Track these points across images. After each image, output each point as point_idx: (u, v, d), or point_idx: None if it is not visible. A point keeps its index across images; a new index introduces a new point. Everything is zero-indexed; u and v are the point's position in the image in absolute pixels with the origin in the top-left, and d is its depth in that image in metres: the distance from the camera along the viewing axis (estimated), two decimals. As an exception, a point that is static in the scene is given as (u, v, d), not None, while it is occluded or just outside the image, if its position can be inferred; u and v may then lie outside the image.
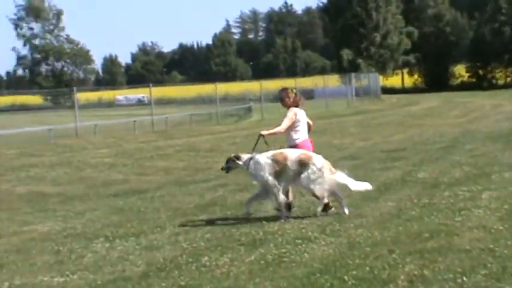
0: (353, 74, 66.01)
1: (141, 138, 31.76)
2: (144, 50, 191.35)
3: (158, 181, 16.46)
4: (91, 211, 12.39)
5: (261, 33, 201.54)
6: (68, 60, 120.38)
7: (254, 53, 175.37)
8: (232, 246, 8.36)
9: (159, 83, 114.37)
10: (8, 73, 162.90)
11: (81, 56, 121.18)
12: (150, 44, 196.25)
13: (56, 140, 31.06)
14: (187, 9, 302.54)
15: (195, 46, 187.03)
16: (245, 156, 10.31)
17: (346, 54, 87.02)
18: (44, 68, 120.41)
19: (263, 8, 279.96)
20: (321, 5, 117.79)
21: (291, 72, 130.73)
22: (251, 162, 10.15)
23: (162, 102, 64.40)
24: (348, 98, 60.58)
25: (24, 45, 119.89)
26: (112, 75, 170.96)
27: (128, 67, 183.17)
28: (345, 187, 9.99)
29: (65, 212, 12.61)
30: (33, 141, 30.51)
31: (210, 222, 10.19)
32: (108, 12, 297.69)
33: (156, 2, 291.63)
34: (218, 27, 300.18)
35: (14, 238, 10.07)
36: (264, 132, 10.57)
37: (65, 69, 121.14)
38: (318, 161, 9.96)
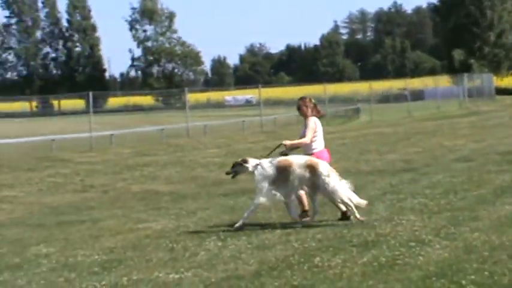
0: (465, 75, 64.34)
1: (250, 138, 32.07)
2: (252, 51, 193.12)
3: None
4: (203, 210, 12.58)
5: (369, 34, 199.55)
6: (179, 62, 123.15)
7: (362, 53, 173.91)
8: (344, 247, 8.31)
9: (267, 83, 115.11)
10: (121, 74, 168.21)
11: (192, 58, 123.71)
12: (258, 45, 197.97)
13: (167, 140, 31.78)
14: (295, 10, 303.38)
15: (302, 47, 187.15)
16: (253, 161, 10.37)
17: (458, 54, 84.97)
18: (155, 70, 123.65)
19: (372, 8, 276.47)
20: (431, 4, 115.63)
21: (400, 73, 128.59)
22: (258, 167, 10.19)
23: (270, 102, 64.81)
24: (460, 98, 59.13)
25: (138, 47, 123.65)
26: (220, 76, 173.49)
27: (236, 68, 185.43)
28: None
29: (177, 210, 12.86)
30: (146, 141, 31.32)
31: (321, 222, 10.15)
32: (217, 14, 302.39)
33: (264, 4, 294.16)
34: (326, 28, 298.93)
35: (130, 235, 10.34)
36: (286, 142, 10.64)
37: (176, 70, 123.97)
38: (324, 167, 9.99)
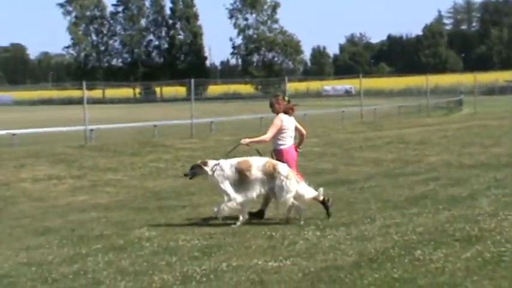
0: None
1: (350, 128, 31.81)
2: (352, 41, 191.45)
3: (367, 172, 16.34)
4: (302, 199, 12.54)
5: (474, 24, 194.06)
6: (279, 51, 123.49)
7: (466, 44, 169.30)
8: (446, 241, 8.12)
9: (367, 74, 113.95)
10: (222, 62, 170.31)
11: (292, 47, 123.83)
12: (358, 35, 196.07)
13: (266, 129, 31.84)
14: (397, 0, 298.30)
15: (404, 37, 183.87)
16: (212, 162, 10.31)
17: None
18: (255, 58, 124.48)
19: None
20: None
21: (506, 65, 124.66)
22: (217, 168, 10.15)
23: (370, 93, 64.12)
24: None
25: (239, 35, 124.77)
26: (320, 65, 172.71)
27: (335, 58, 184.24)
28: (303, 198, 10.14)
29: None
30: (245, 128, 31.52)
31: (421, 215, 9.96)
32: (318, 3, 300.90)
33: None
34: (429, 18, 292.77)
35: (229, 222, 10.45)
36: (245, 141, 10.66)
37: (276, 59, 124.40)
38: (283, 169, 10.04)
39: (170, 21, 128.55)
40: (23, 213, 12.50)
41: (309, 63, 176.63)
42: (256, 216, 10.52)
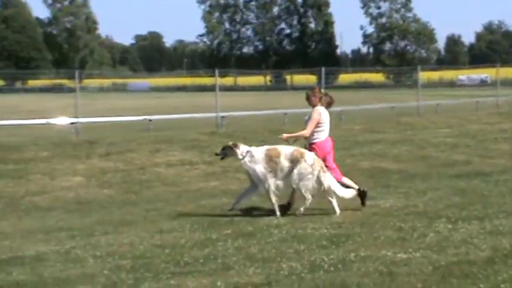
0: None
1: (485, 119, 30.75)
2: (489, 29, 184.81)
3: (503, 165, 15.80)
4: (432, 190, 12.29)
5: None
6: (412, 39, 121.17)
7: None
8: None
9: (505, 63, 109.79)
10: (353, 51, 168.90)
11: (425, 35, 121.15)
12: (496, 22, 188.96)
13: (398, 118, 31.39)
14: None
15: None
16: (244, 148, 10.56)
17: None
18: (387, 47, 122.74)
19: None
20: None
21: None
22: (248, 154, 10.38)
23: (506, 83, 61.67)
24: None
25: (371, 23, 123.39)
26: (454, 54, 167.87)
27: (471, 46, 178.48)
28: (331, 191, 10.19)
29: (406, 189, 12.70)
30: (376, 118, 31.14)
31: None
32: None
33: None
34: None
35: (358, 211, 10.39)
36: (284, 136, 10.78)
37: (408, 48, 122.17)
38: (309, 157, 10.19)
39: (301, 10, 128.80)
40: (157, 197, 12.94)
41: (442, 52, 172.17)
42: (284, 209, 10.49)
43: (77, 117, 22.71)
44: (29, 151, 17.85)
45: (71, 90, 48.54)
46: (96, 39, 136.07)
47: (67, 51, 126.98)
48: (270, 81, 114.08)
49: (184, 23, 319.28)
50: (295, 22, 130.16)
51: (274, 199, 10.34)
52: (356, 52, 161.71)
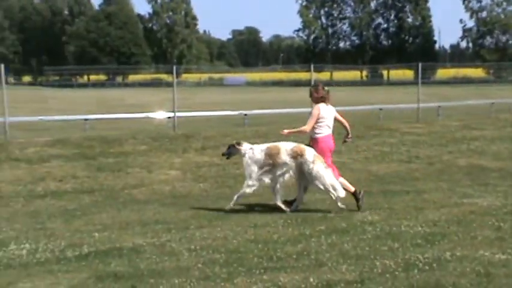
0: None
1: None
2: None
3: None
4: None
5: None
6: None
7: None
8: None
9: None
10: (452, 46, 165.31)
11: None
12: None
13: (497, 114, 30.57)
14: None
15: None
16: (246, 145, 10.75)
17: None
18: (488, 41, 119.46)
19: None
20: None
21: None
22: (249, 151, 10.60)
23: None
24: None
25: (471, 17, 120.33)
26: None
27: None
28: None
29: (505, 187, 12.37)
30: (475, 114, 30.43)
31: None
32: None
33: None
34: None
35: (454, 209, 10.16)
36: (284, 132, 10.65)
37: (510, 42, 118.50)
38: (310, 154, 10.31)
39: (399, 4, 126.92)
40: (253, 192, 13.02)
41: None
42: (291, 205, 10.68)
43: (174, 111, 23.15)
44: (128, 145, 18.34)
45: (169, 84, 49.55)
46: (195, 34, 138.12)
47: (166, 47, 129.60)
48: (366, 76, 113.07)
49: (281, 18, 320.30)
50: (392, 17, 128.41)
51: (239, 199, 10.79)
52: (455, 47, 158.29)
